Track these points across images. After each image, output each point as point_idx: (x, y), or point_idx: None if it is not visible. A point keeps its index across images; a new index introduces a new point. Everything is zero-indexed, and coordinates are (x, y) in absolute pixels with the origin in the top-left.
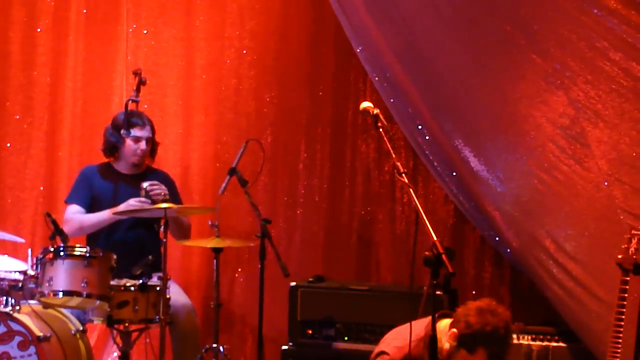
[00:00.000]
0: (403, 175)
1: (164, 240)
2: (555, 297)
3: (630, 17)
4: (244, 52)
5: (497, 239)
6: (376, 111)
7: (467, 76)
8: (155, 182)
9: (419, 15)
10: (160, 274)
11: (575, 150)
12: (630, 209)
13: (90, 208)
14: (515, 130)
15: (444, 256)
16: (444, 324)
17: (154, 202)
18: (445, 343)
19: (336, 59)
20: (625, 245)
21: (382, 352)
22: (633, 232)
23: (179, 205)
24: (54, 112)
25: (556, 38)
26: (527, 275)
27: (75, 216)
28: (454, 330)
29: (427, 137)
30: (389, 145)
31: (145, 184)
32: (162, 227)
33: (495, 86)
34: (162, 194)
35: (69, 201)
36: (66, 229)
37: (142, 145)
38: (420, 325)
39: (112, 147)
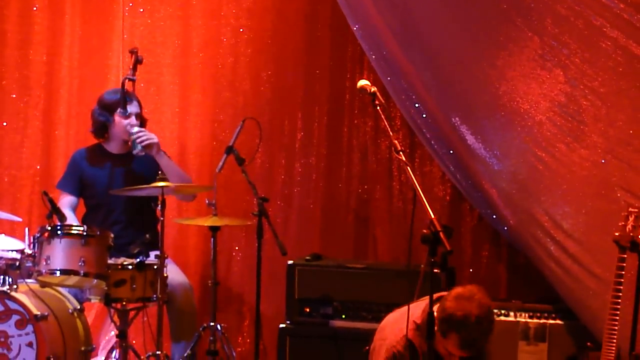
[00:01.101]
0: (400, 153)
1: (161, 218)
2: (553, 274)
3: None
4: (241, 30)
5: (494, 216)
6: (373, 89)
7: (464, 54)
8: (143, 129)
9: (435, 10)
10: (158, 253)
11: (572, 127)
12: (627, 186)
13: (81, 192)
14: (512, 107)
15: (441, 234)
16: (440, 305)
17: (138, 148)
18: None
19: (332, 36)
20: (622, 223)
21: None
22: (630, 209)
23: (176, 184)
24: (50, 91)
25: (553, 15)
26: (524, 253)
27: (66, 211)
28: (435, 315)
29: (424, 115)
30: (386, 123)
31: (134, 129)
32: (160, 205)
33: (492, 64)
34: (146, 139)
35: (59, 188)
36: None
37: (132, 120)
38: (418, 309)
39: (102, 127)
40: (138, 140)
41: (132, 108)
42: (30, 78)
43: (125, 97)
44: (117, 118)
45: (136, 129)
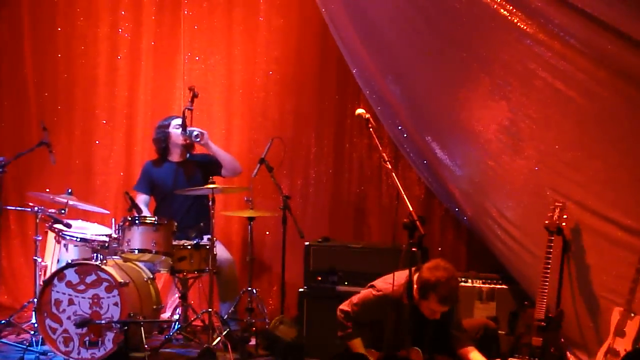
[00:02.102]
0: (387, 162)
1: (212, 211)
2: (499, 252)
3: (554, 46)
4: (270, 73)
5: (456, 209)
6: (367, 115)
7: (435, 90)
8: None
9: (399, 45)
10: (209, 236)
11: (513, 144)
12: (554, 187)
13: (152, 191)
14: (470, 129)
15: (417, 222)
16: (417, 276)
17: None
18: (416, 293)
19: (337, 77)
20: (551, 214)
21: (372, 286)
22: (556, 204)
23: (223, 186)
24: (130, 118)
25: (499, 61)
26: (479, 236)
27: (142, 207)
28: (416, 285)
29: (405, 135)
30: (376, 141)
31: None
32: (211, 201)
33: (455, 97)
34: (197, 130)
35: (135, 189)
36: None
37: (180, 133)
38: (401, 275)
39: (163, 145)
40: (192, 135)
41: (178, 121)
42: (116, 109)
43: (184, 121)
44: (172, 131)
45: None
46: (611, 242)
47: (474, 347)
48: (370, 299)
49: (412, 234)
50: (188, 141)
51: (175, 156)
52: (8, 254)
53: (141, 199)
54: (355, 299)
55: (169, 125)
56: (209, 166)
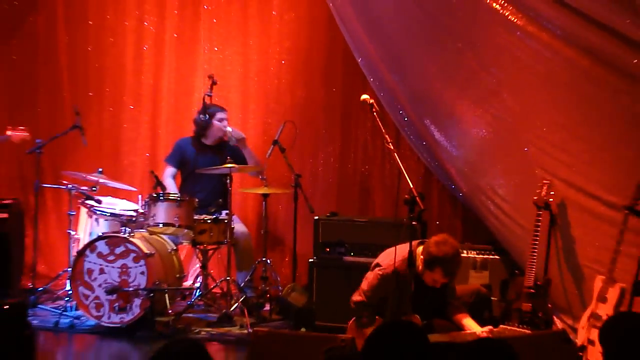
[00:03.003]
0: (389, 144)
1: (230, 188)
2: (492, 225)
3: (542, 37)
4: (282, 62)
5: (453, 187)
6: (371, 101)
7: (433, 78)
8: (236, 129)
9: (400, 36)
10: (227, 211)
11: (505, 126)
12: (542, 166)
13: (180, 166)
14: (465, 113)
15: (417, 198)
16: (420, 249)
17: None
18: (419, 264)
19: (344, 66)
20: (539, 190)
21: (377, 265)
22: (544, 181)
23: (240, 165)
24: (155, 103)
25: (492, 50)
26: (473, 210)
27: (168, 180)
28: (422, 256)
29: (405, 119)
30: (379, 124)
31: (229, 128)
32: (229, 180)
33: (452, 83)
34: (240, 135)
35: (166, 161)
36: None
37: (225, 123)
38: (404, 249)
39: (203, 128)
40: (235, 135)
41: (225, 114)
42: (142, 95)
43: (205, 106)
44: (215, 122)
45: (230, 128)
46: (594, 216)
47: (467, 314)
48: (377, 281)
49: (412, 208)
50: (226, 139)
51: (209, 140)
52: (45, 227)
53: (169, 172)
54: (364, 285)
55: (213, 115)
56: (238, 161)
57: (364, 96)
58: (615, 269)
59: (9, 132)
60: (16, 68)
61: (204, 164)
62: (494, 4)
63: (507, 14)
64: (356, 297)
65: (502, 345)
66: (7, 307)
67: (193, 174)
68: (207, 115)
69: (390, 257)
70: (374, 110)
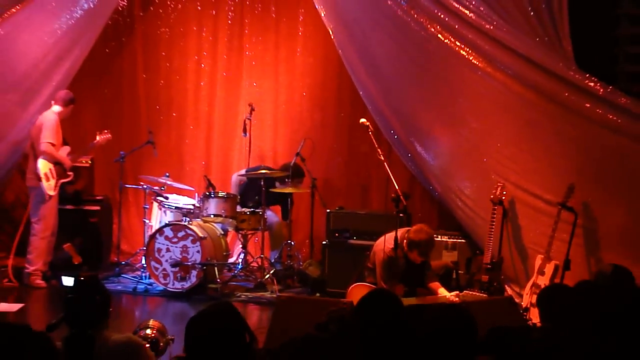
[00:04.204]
0: (381, 156)
1: (263, 189)
2: (460, 216)
3: (497, 76)
4: (304, 94)
5: (430, 187)
6: (367, 123)
7: (417, 106)
8: None
9: (391, 74)
10: (262, 206)
11: (470, 142)
12: (497, 172)
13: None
14: (440, 132)
15: (401, 197)
16: (407, 235)
17: None
18: (404, 247)
19: (350, 96)
20: (494, 191)
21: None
22: (498, 184)
23: (270, 171)
24: (209, 124)
25: (460, 85)
26: (446, 205)
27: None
28: (404, 241)
29: (395, 137)
30: (374, 141)
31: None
32: (262, 182)
33: (430, 111)
34: None
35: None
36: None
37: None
38: (392, 236)
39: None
40: None
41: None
42: (199, 118)
43: (245, 127)
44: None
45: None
46: (536, 210)
47: (439, 282)
48: (381, 267)
49: (397, 204)
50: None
51: (279, 185)
52: (127, 217)
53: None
54: (379, 275)
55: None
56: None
57: (362, 120)
58: (551, 250)
59: (97, 137)
60: (107, 98)
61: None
62: (461, 51)
63: (471, 58)
64: (379, 284)
65: (462, 310)
66: (82, 278)
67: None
68: (246, 133)
69: (388, 242)
70: (369, 130)
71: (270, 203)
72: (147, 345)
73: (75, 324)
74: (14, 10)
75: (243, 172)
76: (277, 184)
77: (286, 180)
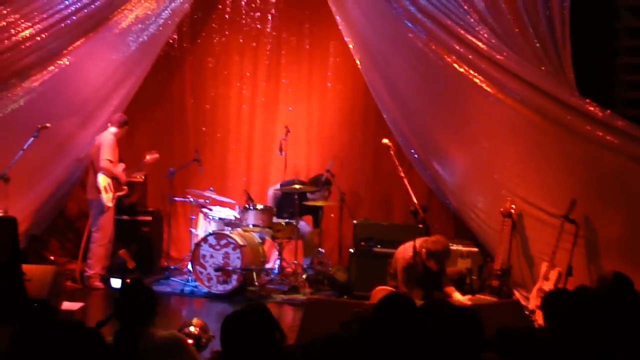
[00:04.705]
0: (401, 172)
1: (297, 202)
2: (473, 228)
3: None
4: (334, 117)
5: (447, 201)
6: (389, 144)
7: (435, 128)
8: None
9: (412, 99)
10: (295, 217)
11: (482, 160)
12: (507, 188)
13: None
14: (455, 152)
15: (419, 210)
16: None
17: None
18: (423, 255)
19: (375, 119)
20: (504, 204)
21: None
22: (507, 198)
23: (303, 186)
24: (249, 144)
25: (473, 109)
26: (461, 218)
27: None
28: (423, 250)
29: (415, 156)
30: (395, 159)
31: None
32: (296, 196)
33: (446, 132)
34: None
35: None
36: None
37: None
38: (410, 246)
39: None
40: None
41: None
42: (240, 139)
43: (281, 147)
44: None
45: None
46: (542, 222)
47: (454, 287)
48: (402, 273)
49: (415, 216)
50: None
51: (311, 197)
52: (176, 226)
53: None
54: (400, 280)
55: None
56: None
57: (384, 140)
58: (555, 258)
59: (147, 157)
60: (159, 120)
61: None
62: (475, 79)
63: (483, 85)
64: (400, 289)
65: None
66: (128, 280)
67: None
68: (282, 152)
69: (408, 250)
70: (390, 150)
71: (303, 213)
72: (191, 341)
73: (123, 321)
74: (78, 42)
75: (278, 186)
76: (308, 195)
77: (316, 191)
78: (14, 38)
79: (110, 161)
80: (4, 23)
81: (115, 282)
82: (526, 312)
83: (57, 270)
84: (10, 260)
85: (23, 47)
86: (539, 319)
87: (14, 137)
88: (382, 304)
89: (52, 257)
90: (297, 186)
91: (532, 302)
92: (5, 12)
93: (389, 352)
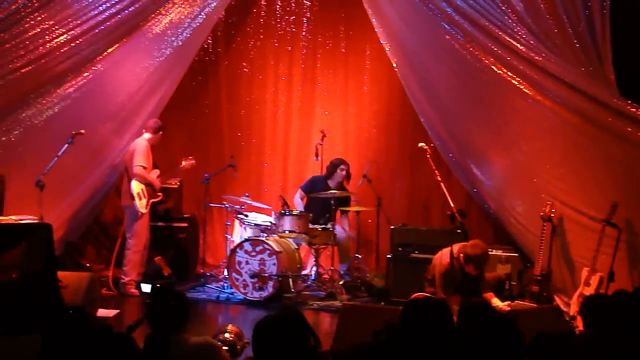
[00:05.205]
0: (438, 176)
1: (333, 207)
2: (513, 232)
3: (546, 103)
4: (371, 121)
5: (486, 206)
6: (425, 147)
7: (473, 130)
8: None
9: (447, 101)
10: (332, 223)
11: (521, 163)
12: (546, 192)
13: (308, 193)
14: (494, 155)
15: (456, 214)
16: (463, 250)
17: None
18: (461, 260)
19: (412, 123)
20: (544, 209)
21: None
22: (547, 202)
23: (340, 192)
24: (285, 149)
25: (511, 112)
26: (500, 222)
27: (297, 200)
28: (461, 255)
29: (453, 159)
30: (431, 163)
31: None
32: (333, 202)
33: (484, 136)
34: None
35: (301, 188)
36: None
37: (343, 173)
38: (447, 251)
39: (330, 173)
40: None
41: (344, 166)
42: (276, 144)
43: (317, 151)
44: (338, 171)
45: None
46: (582, 226)
47: (492, 292)
48: (440, 278)
49: (452, 221)
50: (345, 185)
51: (333, 183)
52: (211, 233)
53: (299, 194)
54: (438, 286)
55: (337, 165)
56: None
57: (421, 144)
58: (596, 263)
59: (183, 163)
60: (194, 126)
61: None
62: (513, 80)
63: (521, 87)
64: (439, 295)
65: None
66: (158, 285)
67: (312, 198)
68: (318, 157)
69: (446, 256)
70: (427, 154)
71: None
72: (225, 347)
73: (154, 326)
74: (113, 48)
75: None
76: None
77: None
78: (48, 44)
79: (144, 167)
80: (39, 29)
81: (146, 287)
82: (567, 318)
83: (92, 277)
84: (46, 267)
85: (58, 53)
86: (580, 325)
87: (49, 144)
88: (406, 310)
89: (87, 264)
90: (332, 191)
91: (573, 308)
92: (40, 18)
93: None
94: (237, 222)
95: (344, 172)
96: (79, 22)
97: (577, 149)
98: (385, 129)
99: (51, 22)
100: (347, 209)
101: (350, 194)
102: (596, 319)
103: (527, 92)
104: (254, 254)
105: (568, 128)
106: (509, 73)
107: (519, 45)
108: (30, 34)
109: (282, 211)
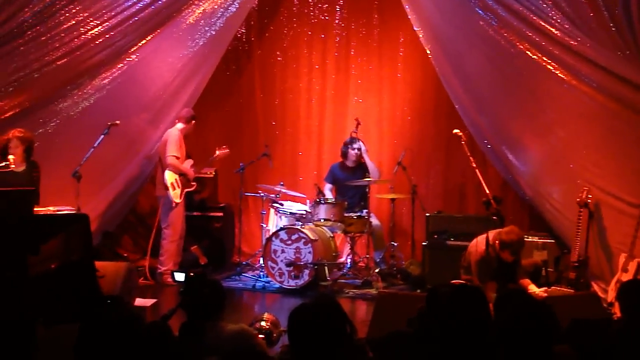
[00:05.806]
0: (473, 163)
1: (368, 195)
2: (549, 219)
3: (582, 88)
4: (405, 108)
5: (521, 192)
6: (460, 134)
7: (507, 116)
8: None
9: (484, 88)
10: (367, 210)
11: (557, 149)
12: (582, 177)
13: (333, 182)
14: (529, 141)
15: (492, 201)
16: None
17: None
18: (496, 247)
19: (446, 109)
20: (580, 194)
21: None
22: (584, 188)
23: (374, 179)
24: (319, 138)
25: (547, 97)
26: (536, 209)
27: (327, 192)
28: (497, 241)
29: (488, 146)
30: (466, 150)
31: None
32: (367, 189)
33: (519, 121)
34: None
35: (324, 180)
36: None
37: (356, 151)
38: (483, 238)
39: (344, 154)
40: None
41: (356, 144)
42: (311, 132)
43: (352, 139)
44: (349, 150)
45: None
46: (619, 212)
47: (529, 279)
48: (476, 266)
49: (488, 208)
50: (363, 161)
51: (350, 162)
52: (247, 221)
53: (327, 187)
54: (474, 273)
55: (348, 145)
56: (365, 172)
57: (455, 130)
58: (634, 248)
59: (217, 152)
60: (228, 115)
61: (347, 180)
62: (548, 65)
63: (557, 72)
64: (475, 282)
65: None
66: (192, 274)
67: (343, 186)
68: (347, 146)
69: (482, 243)
70: (462, 140)
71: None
72: (261, 336)
73: (188, 314)
74: (146, 39)
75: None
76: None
77: (390, 187)
78: (83, 36)
79: (176, 157)
80: (74, 22)
81: (179, 276)
82: (604, 305)
83: (129, 267)
84: (84, 257)
85: (92, 45)
86: (618, 311)
87: (85, 135)
88: (431, 296)
89: (124, 254)
90: (368, 179)
91: (611, 294)
92: (74, 10)
93: (453, 346)
94: (272, 210)
95: (355, 151)
96: (113, 13)
97: (614, 134)
98: (419, 116)
99: (86, 14)
100: (382, 196)
101: (378, 182)
102: (634, 305)
103: (563, 77)
104: (289, 242)
105: (604, 113)
106: (544, 58)
107: (553, 29)
108: (65, 26)
109: (317, 199)
